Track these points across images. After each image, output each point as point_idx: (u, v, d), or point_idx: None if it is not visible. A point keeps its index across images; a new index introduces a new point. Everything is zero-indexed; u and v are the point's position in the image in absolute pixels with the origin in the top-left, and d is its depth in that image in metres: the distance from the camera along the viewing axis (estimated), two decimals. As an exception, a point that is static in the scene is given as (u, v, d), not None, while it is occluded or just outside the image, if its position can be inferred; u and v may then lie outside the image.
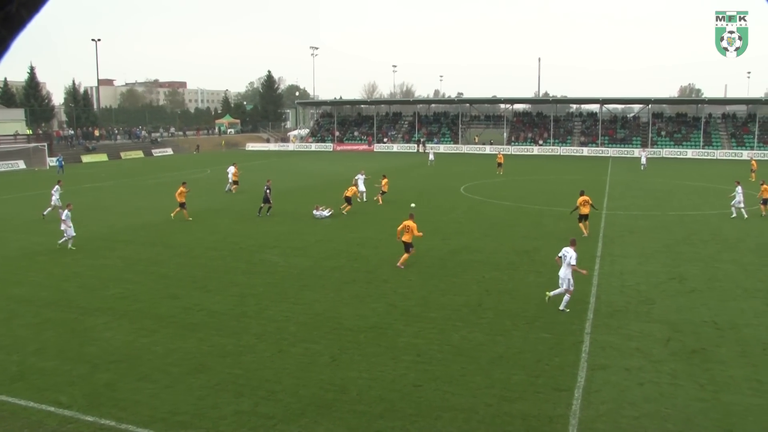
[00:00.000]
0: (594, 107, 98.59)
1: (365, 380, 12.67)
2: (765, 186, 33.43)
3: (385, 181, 38.74)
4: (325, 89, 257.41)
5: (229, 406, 11.58)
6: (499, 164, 57.73)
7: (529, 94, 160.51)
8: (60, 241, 25.71)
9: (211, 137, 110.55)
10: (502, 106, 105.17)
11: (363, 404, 11.65)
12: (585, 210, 27.95)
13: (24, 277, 21.46)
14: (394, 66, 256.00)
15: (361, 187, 39.34)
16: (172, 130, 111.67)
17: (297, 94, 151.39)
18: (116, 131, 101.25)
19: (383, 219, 32.18)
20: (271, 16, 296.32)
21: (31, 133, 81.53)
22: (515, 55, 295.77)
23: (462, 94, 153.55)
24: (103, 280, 20.66)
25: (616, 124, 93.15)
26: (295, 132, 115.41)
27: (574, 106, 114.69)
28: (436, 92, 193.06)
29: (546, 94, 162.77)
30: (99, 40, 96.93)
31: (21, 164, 70.84)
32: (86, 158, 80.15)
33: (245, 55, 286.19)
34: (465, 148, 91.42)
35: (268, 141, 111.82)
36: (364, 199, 38.86)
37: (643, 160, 63.18)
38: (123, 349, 14.49)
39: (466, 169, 62.17)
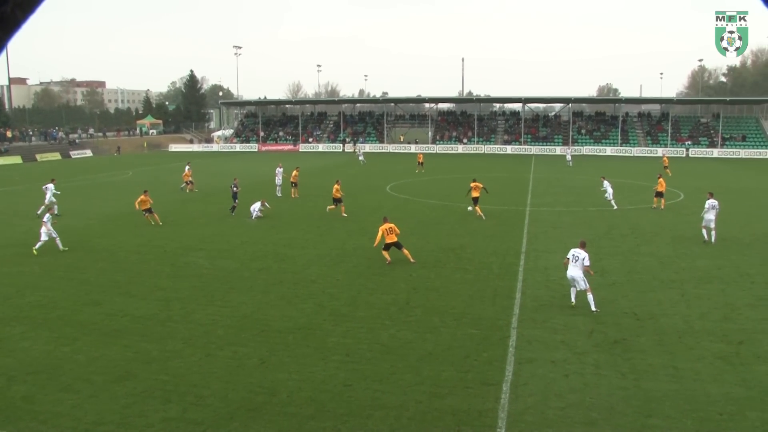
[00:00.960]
0: (517, 106, 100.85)
1: (295, 382, 12.59)
2: (661, 180, 35.13)
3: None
4: (249, 89, 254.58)
5: (157, 414, 11.30)
6: (420, 163, 59.26)
7: (454, 93, 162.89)
8: (60, 246, 24.74)
9: (132, 138, 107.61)
10: (427, 105, 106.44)
11: (293, 406, 11.57)
12: (476, 193, 31.80)
13: (-68, 286, 20.35)
14: (319, 66, 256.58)
15: (278, 181, 41.40)
16: (91, 131, 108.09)
17: (220, 93, 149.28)
18: (31, 132, 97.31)
19: (309, 219, 32.04)
20: (192, 14, 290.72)
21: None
22: (439, 54, 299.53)
23: (387, 93, 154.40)
24: (18, 288, 19.80)
25: (539, 122, 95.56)
26: (219, 132, 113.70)
27: (498, 105, 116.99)
28: (361, 92, 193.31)
29: (470, 93, 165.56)
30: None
31: (-74, 168, 67.31)
32: (-2, 161, 76.78)
33: (166, 55, 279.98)
34: (390, 147, 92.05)
35: (191, 142, 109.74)
36: (280, 194, 40.62)
37: (568, 158, 65.59)
38: (42, 360, 13.93)
39: (392, 168, 62.57)
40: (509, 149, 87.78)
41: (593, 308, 16.78)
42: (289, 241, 26.56)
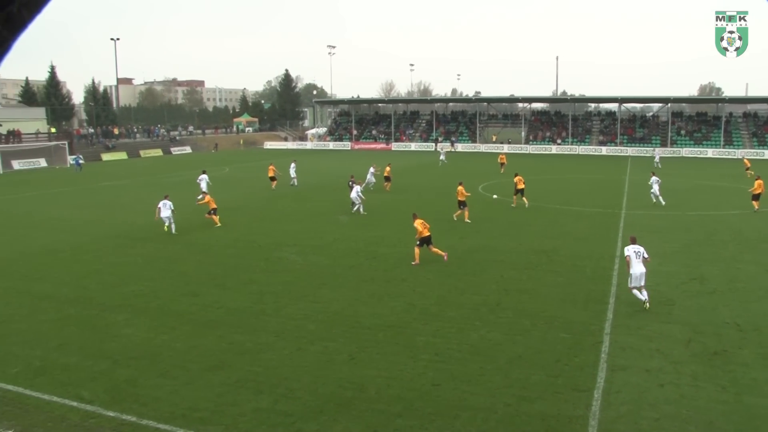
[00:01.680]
0: (612, 106, 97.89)
1: (383, 379, 12.68)
2: (760, 181, 33.31)
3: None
4: (342, 88, 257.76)
5: (249, 404, 11.63)
6: (502, 164, 57.78)
7: (547, 92, 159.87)
8: (173, 230, 28.29)
9: (229, 136, 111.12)
10: (520, 104, 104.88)
11: (381, 403, 11.66)
12: (521, 185, 35.15)
13: (46, 273, 21.74)
14: (412, 65, 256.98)
15: (371, 179, 42.78)
16: (191, 128, 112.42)
17: (314, 92, 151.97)
18: (135, 129, 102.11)
19: (401, 217, 32.14)
20: (288, 14, 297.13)
21: (54, 131, 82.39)
22: (533, 53, 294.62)
23: (479, 92, 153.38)
24: (122, 278, 20.86)
25: (635, 123, 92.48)
26: (313, 131, 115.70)
27: (593, 105, 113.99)
28: (454, 91, 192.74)
29: (564, 92, 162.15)
30: (118, 39, 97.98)
31: (42, 162, 71.66)
32: (106, 156, 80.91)
33: (262, 54, 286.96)
34: (483, 147, 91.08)
35: (286, 139, 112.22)
36: (371, 189, 41.98)
37: (657, 158, 63.26)
38: (143, 346, 14.62)
39: (484, 168, 61.92)
40: (604, 150, 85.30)
41: (647, 304, 16.90)
42: (381, 239, 26.77)
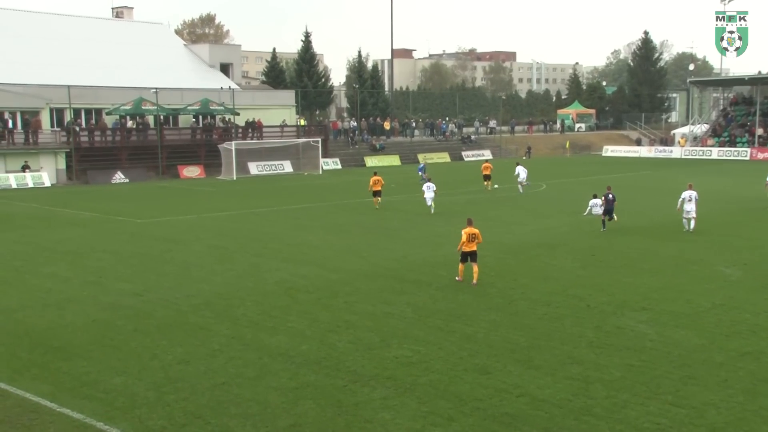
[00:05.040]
0: None
1: None
2: None
3: None
4: (739, 59, 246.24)
5: None
6: None
7: None
8: (432, 210, 45.44)
9: (549, 136, 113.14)
10: None
11: None
12: None
13: (282, 321, 23.49)
14: None
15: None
16: (493, 123, 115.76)
17: (690, 68, 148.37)
18: (413, 123, 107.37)
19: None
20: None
21: (303, 123, 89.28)
22: None
23: None
24: (383, 335, 21.82)
25: None
26: (685, 129, 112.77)
27: None
28: None
29: None
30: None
31: (287, 166, 78.09)
32: (371, 161, 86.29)
33: (606, 10, 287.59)
34: None
35: (638, 143, 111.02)
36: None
37: None
38: (405, 442, 15.03)
39: None
40: None
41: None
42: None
